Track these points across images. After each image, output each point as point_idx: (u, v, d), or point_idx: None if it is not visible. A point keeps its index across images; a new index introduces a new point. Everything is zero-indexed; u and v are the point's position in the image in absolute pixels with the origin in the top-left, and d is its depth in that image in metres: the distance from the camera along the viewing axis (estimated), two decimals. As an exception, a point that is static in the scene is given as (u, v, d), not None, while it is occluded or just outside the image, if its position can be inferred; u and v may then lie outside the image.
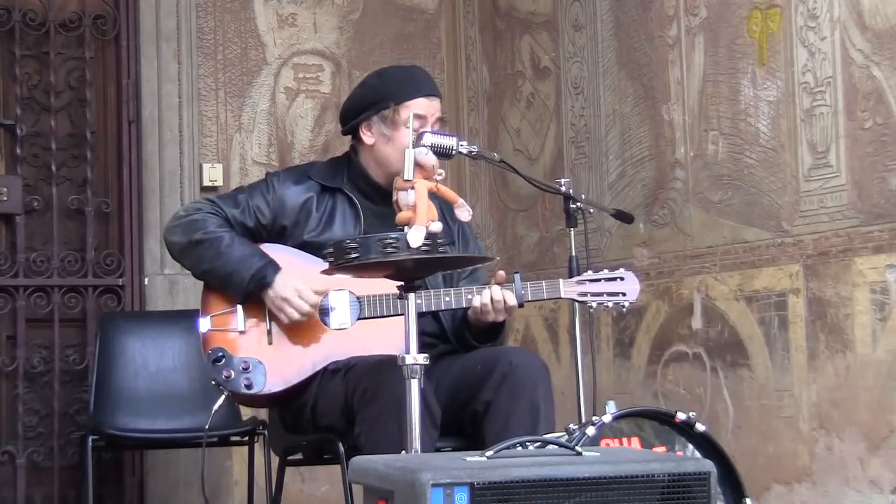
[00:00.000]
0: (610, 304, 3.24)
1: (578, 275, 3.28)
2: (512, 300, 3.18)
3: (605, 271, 3.26)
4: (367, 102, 3.36)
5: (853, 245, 3.70)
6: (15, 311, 4.72)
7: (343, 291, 3.20)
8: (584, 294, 3.23)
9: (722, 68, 4.16)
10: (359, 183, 3.37)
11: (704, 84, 4.23)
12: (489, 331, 3.28)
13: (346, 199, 3.35)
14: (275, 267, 3.22)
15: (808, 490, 3.83)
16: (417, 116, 3.24)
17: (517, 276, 3.21)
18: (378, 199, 3.35)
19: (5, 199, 4.72)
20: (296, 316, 3.19)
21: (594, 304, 3.24)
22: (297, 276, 3.21)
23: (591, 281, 3.24)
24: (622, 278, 3.26)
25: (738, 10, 4.10)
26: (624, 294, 3.25)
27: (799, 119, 3.88)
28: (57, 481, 4.70)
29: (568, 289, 3.23)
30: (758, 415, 3.99)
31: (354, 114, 3.39)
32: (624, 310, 3.30)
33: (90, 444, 4.17)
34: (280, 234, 3.33)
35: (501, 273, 3.21)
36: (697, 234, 4.27)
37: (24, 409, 4.71)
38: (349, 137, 3.47)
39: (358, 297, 3.20)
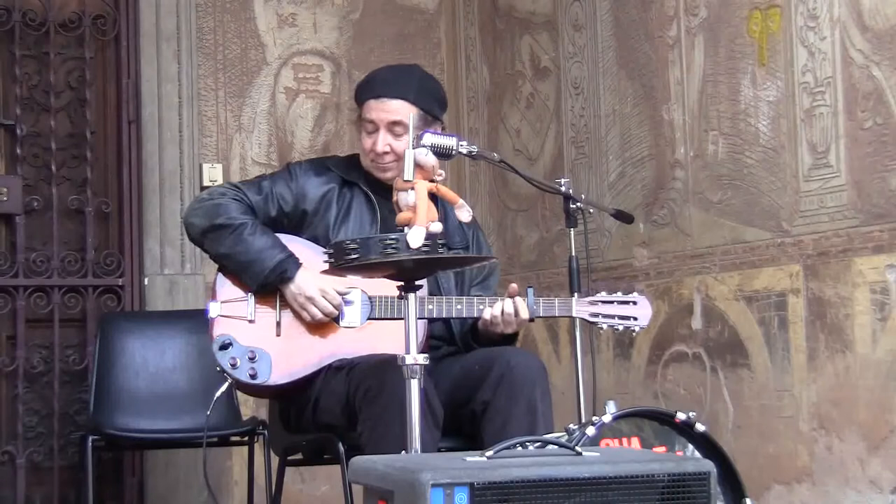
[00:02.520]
0: (620, 328, 3.25)
1: (578, 275, 3.28)
2: (524, 313, 3.18)
3: (619, 294, 3.26)
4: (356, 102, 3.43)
5: (853, 245, 3.70)
6: (15, 311, 4.72)
7: (356, 290, 3.21)
8: (596, 315, 3.23)
9: (722, 68, 4.16)
10: (371, 178, 3.39)
11: (704, 84, 4.23)
12: (498, 342, 3.28)
13: (362, 194, 3.37)
14: (296, 262, 3.23)
15: (808, 490, 3.83)
16: (369, 121, 3.30)
17: (530, 291, 3.21)
18: (389, 193, 3.36)
19: (5, 199, 4.72)
20: (319, 316, 3.20)
21: (604, 326, 3.24)
22: (316, 272, 3.21)
23: (604, 302, 3.25)
24: (635, 302, 3.26)
25: (738, 10, 4.10)
26: (635, 318, 3.25)
27: (799, 119, 3.88)
28: (57, 481, 4.70)
29: (580, 308, 3.24)
30: (758, 415, 4.00)
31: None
32: (634, 334, 3.31)
33: (90, 444, 4.16)
34: (300, 222, 3.34)
35: (514, 286, 3.22)
36: (697, 234, 4.27)
37: (24, 409, 4.71)
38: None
39: (370, 297, 3.21)
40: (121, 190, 4.91)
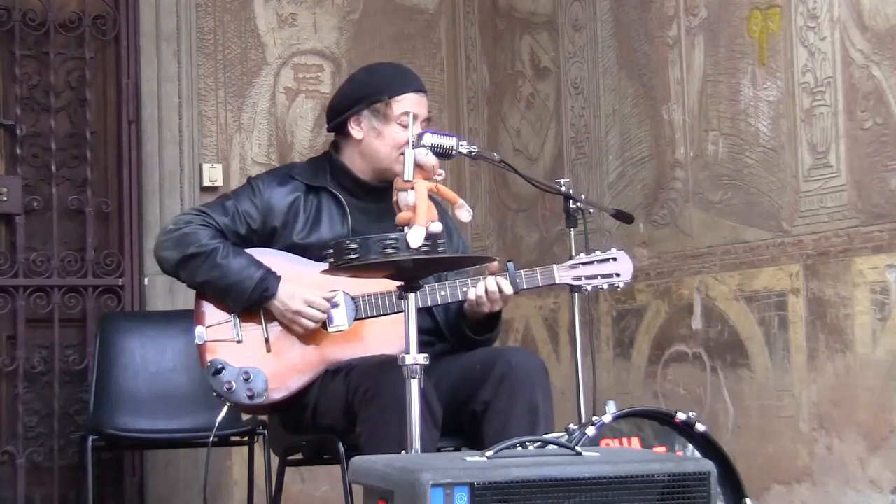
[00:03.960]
0: (605, 286, 3.24)
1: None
2: (508, 289, 3.18)
3: (597, 253, 3.26)
4: (359, 96, 3.34)
5: (853, 245, 3.70)
6: (15, 311, 4.72)
7: (339, 293, 3.20)
8: (579, 278, 3.22)
9: (722, 68, 4.16)
10: (342, 181, 3.35)
11: (704, 84, 4.23)
12: (486, 321, 3.28)
13: (331, 198, 3.33)
14: (275, 277, 3.21)
15: (808, 490, 3.83)
16: (409, 114, 3.24)
17: (510, 265, 3.21)
18: (363, 195, 3.34)
19: (5, 199, 4.72)
20: (311, 326, 3.19)
21: (589, 287, 3.23)
22: (297, 282, 3.21)
23: (584, 264, 3.24)
24: (615, 258, 3.25)
25: (738, 10, 4.10)
26: (618, 275, 3.24)
27: (799, 119, 3.88)
28: (57, 481, 4.70)
29: (562, 274, 3.23)
30: (758, 415, 4.00)
31: (344, 108, 3.36)
32: (618, 289, 3.30)
33: (90, 444, 4.16)
34: (270, 236, 3.31)
35: (494, 263, 3.20)
36: (697, 234, 4.27)
37: (24, 409, 4.71)
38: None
39: (353, 298, 3.20)
40: (121, 190, 4.91)
